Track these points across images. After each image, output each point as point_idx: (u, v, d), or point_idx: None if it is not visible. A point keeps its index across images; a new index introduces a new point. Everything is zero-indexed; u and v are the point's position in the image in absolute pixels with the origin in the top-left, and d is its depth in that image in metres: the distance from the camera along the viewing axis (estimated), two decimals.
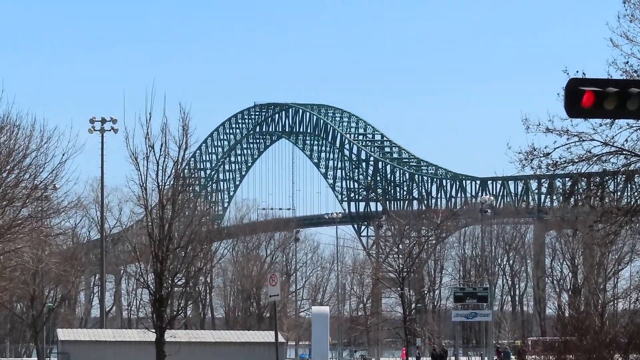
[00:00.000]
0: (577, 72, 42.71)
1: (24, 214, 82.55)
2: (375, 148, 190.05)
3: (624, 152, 65.46)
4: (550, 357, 61.77)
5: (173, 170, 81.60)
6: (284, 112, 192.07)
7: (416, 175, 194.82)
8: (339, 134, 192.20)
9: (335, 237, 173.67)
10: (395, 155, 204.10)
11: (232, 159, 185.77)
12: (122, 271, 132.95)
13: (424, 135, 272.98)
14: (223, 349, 78.22)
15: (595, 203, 73.45)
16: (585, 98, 31.10)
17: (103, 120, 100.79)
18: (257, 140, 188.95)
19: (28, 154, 77.94)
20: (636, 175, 70.09)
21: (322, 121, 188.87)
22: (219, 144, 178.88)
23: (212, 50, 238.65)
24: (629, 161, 66.63)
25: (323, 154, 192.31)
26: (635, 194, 71.65)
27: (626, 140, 62.07)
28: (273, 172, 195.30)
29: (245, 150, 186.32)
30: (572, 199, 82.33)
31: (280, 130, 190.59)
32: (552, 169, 67.78)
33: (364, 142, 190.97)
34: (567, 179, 73.97)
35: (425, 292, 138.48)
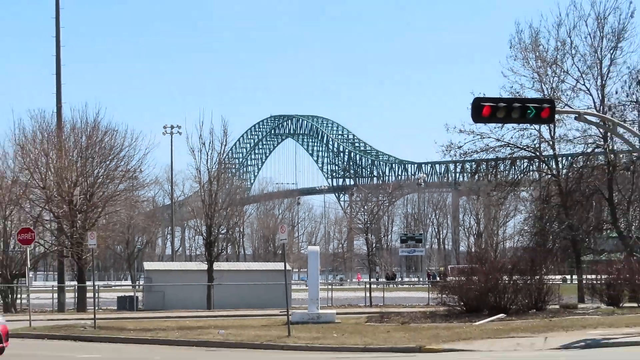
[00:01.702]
0: (480, 92, 51.48)
1: (120, 188, 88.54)
2: (349, 143, 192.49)
3: (510, 145, 74.39)
4: (462, 277, 58.54)
5: (217, 159, 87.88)
6: (289, 121, 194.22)
7: (375, 161, 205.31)
8: (325, 135, 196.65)
9: (323, 201, 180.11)
10: (361, 148, 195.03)
11: (256, 151, 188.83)
12: (185, 224, 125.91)
13: (381, 131, 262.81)
14: (250, 274, 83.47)
15: (491, 178, 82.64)
16: (485, 110, 42.73)
17: (172, 127, 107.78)
18: (272, 139, 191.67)
19: (123, 149, 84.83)
20: (517, 160, 79.26)
21: (315, 126, 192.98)
22: (247, 141, 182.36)
23: (241, 71, 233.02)
24: (512, 151, 75.97)
25: (315, 148, 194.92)
26: (517, 172, 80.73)
27: (511, 137, 71.60)
28: (283, 160, 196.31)
29: (264, 145, 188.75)
30: (476, 176, 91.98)
31: (287, 132, 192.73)
32: (463, 157, 77.02)
33: (342, 140, 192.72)
34: (473, 163, 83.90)
35: (382, 236, 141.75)
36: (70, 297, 78.53)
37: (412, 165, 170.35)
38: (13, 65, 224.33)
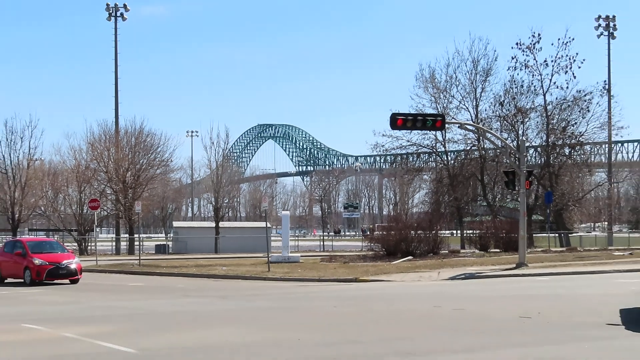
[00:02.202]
0: (396, 109, 51.50)
1: (157, 172, 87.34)
2: (309, 143, 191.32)
3: (415, 144, 74.62)
4: (384, 232, 59.80)
5: (221, 153, 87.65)
6: (270, 127, 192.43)
7: (327, 155, 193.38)
8: (294, 137, 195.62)
9: (292, 182, 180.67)
10: (318, 146, 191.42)
11: (248, 148, 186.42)
12: (201, 196, 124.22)
13: (331, 133, 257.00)
14: (244, 230, 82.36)
15: (403, 166, 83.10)
16: (398, 121, 42.98)
17: (192, 131, 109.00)
18: (259, 140, 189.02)
19: (159, 146, 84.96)
20: (420, 154, 79.78)
21: (287, 132, 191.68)
22: (242, 141, 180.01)
23: (238, 91, 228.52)
24: (417, 148, 76.13)
25: (287, 146, 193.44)
26: (421, 162, 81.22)
27: (417, 139, 71.93)
28: (266, 154, 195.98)
29: (254, 144, 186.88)
30: (394, 165, 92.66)
31: (269, 136, 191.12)
32: (385, 152, 77.97)
33: (305, 140, 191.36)
34: (391, 156, 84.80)
35: (331, 204, 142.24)
36: (123, 245, 79.11)
37: (352, 157, 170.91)
38: (84, 82, 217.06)
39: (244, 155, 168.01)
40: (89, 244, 70.74)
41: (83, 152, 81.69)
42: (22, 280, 38.83)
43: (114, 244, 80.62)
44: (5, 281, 39.58)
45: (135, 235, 79.11)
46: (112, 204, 79.04)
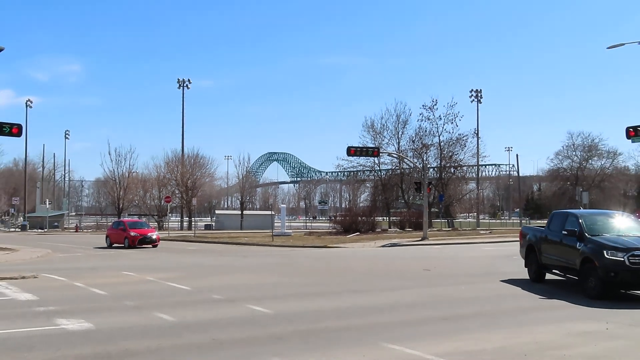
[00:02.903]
0: (351, 143, 51.08)
1: (206, 180, 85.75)
2: (298, 164, 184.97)
3: (362, 165, 74.54)
4: (342, 218, 57.99)
5: (245, 170, 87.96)
6: (275, 154, 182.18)
7: (309, 171, 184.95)
8: (290, 160, 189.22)
9: (288, 187, 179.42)
10: (304, 165, 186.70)
11: (261, 167, 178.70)
12: (232, 195, 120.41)
13: (312, 155, 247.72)
14: (258, 216, 77.30)
15: (354, 178, 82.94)
16: (352, 151, 42.09)
17: (228, 156, 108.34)
18: (268, 162, 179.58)
19: (207, 165, 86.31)
20: (365, 171, 79.48)
21: (285, 156, 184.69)
22: (258, 162, 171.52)
23: (254, 129, 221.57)
24: (363, 168, 75.75)
25: (285, 166, 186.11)
26: (365, 176, 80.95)
27: (362, 162, 72.33)
28: (272, 171, 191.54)
29: (264, 165, 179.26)
30: (349, 177, 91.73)
31: (274, 159, 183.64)
32: (344, 169, 77.81)
33: (296, 162, 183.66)
34: (348, 172, 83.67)
35: (311, 201, 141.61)
36: (185, 224, 78.83)
37: (324, 172, 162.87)
38: (164, 123, 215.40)
39: (258, 171, 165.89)
40: (164, 223, 70.71)
41: (162, 167, 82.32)
42: (123, 245, 39.19)
43: (179, 223, 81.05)
44: (113, 246, 39.95)
45: (193, 218, 79.90)
46: (179, 199, 79.11)
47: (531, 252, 17.90)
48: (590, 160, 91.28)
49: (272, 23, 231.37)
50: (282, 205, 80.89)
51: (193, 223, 79.00)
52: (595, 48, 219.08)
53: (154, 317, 12.09)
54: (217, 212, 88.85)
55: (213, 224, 79.48)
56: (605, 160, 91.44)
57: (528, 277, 18.35)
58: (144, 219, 61.80)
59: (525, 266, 18.35)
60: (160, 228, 65.42)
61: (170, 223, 69.47)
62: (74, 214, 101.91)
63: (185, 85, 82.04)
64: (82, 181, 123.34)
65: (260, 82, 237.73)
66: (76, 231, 73.37)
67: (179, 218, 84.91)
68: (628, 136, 32.85)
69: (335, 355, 8.86)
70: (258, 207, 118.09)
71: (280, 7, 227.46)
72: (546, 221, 19.34)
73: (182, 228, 77.56)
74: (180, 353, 9.06)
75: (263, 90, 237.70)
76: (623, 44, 36.27)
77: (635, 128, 32.60)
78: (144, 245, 38.88)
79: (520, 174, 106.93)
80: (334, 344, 9.60)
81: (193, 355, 8.89)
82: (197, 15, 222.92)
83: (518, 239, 20.65)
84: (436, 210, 69.11)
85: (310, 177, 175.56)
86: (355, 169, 76.81)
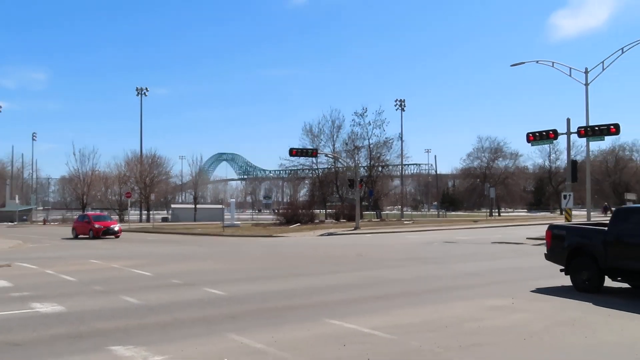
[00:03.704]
0: (293, 145, 52.05)
1: (163, 178, 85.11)
2: (245, 163, 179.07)
3: (302, 164, 74.85)
4: (285, 211, 57.04)
5: (198, 169, 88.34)
6: (223, 154, 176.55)
7: (254, 170, 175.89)
8: (237, 159, 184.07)
9: (236, 184, 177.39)
10: (250, 164, 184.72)
11: (212, 166, 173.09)
12: (186, 191, 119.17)
13: (257, 155, 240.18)
14: (210, 209, 76.36)
15: (297, 175, 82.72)
16: (294, 152, 41.93)
17: (182, 156, 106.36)
18: (217, 162, 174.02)
19: (163, 164, 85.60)
20: (305, 169, 79.55)
21: (232, 156, 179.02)
22: (209, 162, 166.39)
23: (204, 131, 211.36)
24: (303, 166, 76.10)
25: (233, 165, 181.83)
26: (305, 173, 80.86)
27: (302, 162, 72.43)
28: (222, 169, 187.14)
29: (214, 164, 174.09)
30: (290, 174, 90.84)
31: (223, 159, 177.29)
32: (286, 168, 77.36)
33: (242, 161, 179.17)
34: (290, 170, 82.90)
35: (256, 196, 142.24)
36: (144, 217, 77.46)
37: (268, 170, 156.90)
38: (125, 126, 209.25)
39: (209, 169, 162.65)
40: (125, 216, 69.39)
41: (122, 166, 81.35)
42: (88, 236, 38.58)
43: (138, 216, 79.77)
44: (79, 237, 39.26)
45: (151, 212, 78.96)
46: (138, 195, 77.72)
47: (581, 256, 13.17)
48: (496, 161, 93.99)
49: (224, 40, 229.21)
50: (231, 199, 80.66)
51: (151, 216, 78.34)
52: (502, 65, 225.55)
53: (121, 300, 11.95)
54: (172, 206, 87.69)
55: (169, 216, 78.28)
56: (508, 161, 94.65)
57: (448, 263, 18.64)
58: (106, 213, 60.59)
59: (567, 273, 13.48)
60: (121, 221, 64.12)
61: (130, 216, 68.29)
62: (41, 208, 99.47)
63: (143, 92, 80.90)
64: (48, 179, 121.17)
65: (212, 91, 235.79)
66: (44, 224, 71.69)
67: (139, 212, 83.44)
68: (528, 140, 34.20)
69: (283, 330, 8.90)
70: (209, 201, 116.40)
71: (231, 27, 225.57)
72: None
73: (141, 221, 76.44)
74: (146, 331, 8.98)
75: (214, 97, 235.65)
76: (524, 63, 37.58)
77: (534, 133, 33.95)
78: (107, 236, 38.35)
79: (438, 173, 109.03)
80: (282, 321, 9.63)
81: (157, 333, 8.82)
82: (156, 31, 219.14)
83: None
84: (366, 203, 69.63)
85: (256, 175, 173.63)
86: (296, 168, 76.79)
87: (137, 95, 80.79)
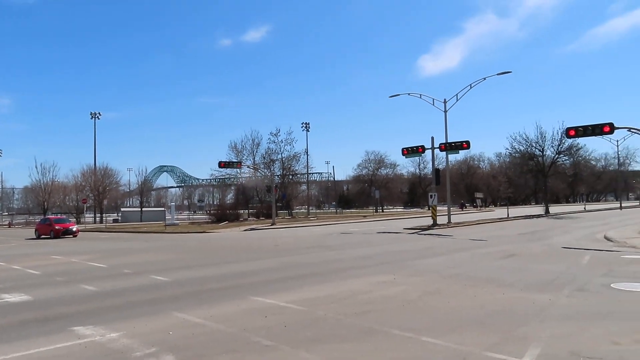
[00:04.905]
0: (221, 159, 50.22)
1: (113, 187, 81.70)
2: (182, 173, 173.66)
3: (229, 174, 73.67)
4: (216, 211, 57.13)
5: (143, 179, 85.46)
6: (164, 167, 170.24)
7: (189, 178, 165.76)
8: (176, 170, 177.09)
9: (175, 191, 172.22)
10: (186, 174, 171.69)
11: (155, 176, 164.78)
12: (134, 197, 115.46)
13: (193, 165, 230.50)
14: (154, 212, 74.44)
15: (225, 183, 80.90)
16: (222, 164, 40.54)
17: (130, 169, 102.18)
18: (159, 173, 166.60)
19: (114, 175, 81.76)
20: (231, 178, 78.12)
21: (172, 168, 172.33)
22: (152, 173, 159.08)
23: (150, 147, 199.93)
24: (230, 175, 74.67)
25: (173, 176, 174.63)
26: (231, 181, 79.34)
27: (229, 171, 71.12)
28: (162, 180, 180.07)
29: (157, 174, 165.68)
30: (219, 182, 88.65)
31: (165, 170, 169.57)
32: (216, 178, 75.75)
33: (180, 172, 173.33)
34: (219, 179, 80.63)
35: (192, 200, 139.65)
36: (98, 219, 73.58)
37: (201, 179, 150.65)
38: (82, 143, 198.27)
39: (153, 179, 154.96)
40: (81, 219, 65.74)
41: (79, 177, 77.19)
42: (49, 236, 36.28)
43: (93, 219, 75.61)
44: (41, 237, 36.84)
45: (103, 215, 75.20)
46: (92, 201, 73.95)
47: None
48: (379, 169, 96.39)
49: (167, 72, 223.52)
50: (171, 203, 78.07)
51: (104, 218, 74.63)
52: (383, 95, 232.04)
53: (81, 288, 11.38)
54: (122, 209, 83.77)
55: (119, 218, 74.83)
56: (389, 169, 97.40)
57: (345, 249, 18.93)
58: (65, 216, 57.08)
59: None
60: (78, 223, 60.70)
61: (86, 219, 64.90)
62: (6, 213, 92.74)
63: (97, 116, 77.20)
64: (12, 188, 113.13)
65: (156, 113, 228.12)
66: (9, 227, 66.82)
67: (93, 215, 79.28)
68: (403, 154, 35.49)
69: (218, 306, 8.79)
70: (153, 205, 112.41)
71: (172, 62, 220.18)
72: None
73: (95, 222, 72.64)
74: (103, 313, 8.62)
75: (158, 119, 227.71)
76: (399, 95, 38.94)
77: (407, 148, 35.23)
78: (66, 236, 36.25)
79: (335, 179, 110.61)
80: (216, 299, 9.50)
81: (113, 314, 8.49)
82: (108, 59, 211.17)
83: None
84: (280, 204, 69.24)
85: (191, 183, 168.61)
86: (224, 177, 75.55)
87: (92, 118, 77.18)
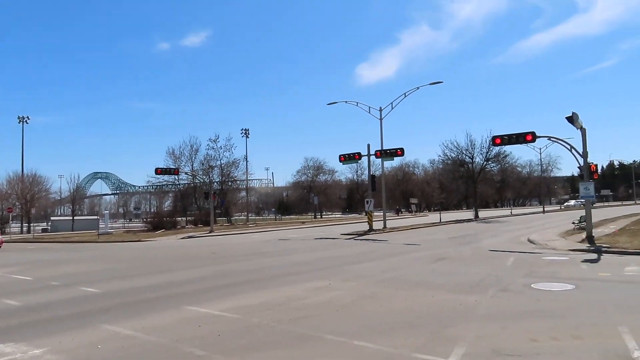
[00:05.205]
0: (158, 165, 48.99)
1: (42, 195, 77.94)
2: (117, 179, 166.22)
3: (166, 181, 71.86)
4: (152, 219, 54.14)
5: (75, 186, 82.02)
6: (98, 173, 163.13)
7: (125, 185, 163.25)
8: (110, 177, 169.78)
9: (110, 198, 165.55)
10: (122, 181, 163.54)
11: (88, 183, 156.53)
12: (66, 205, 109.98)
13: (130, 172, 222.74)
14: (86, 220, 70.89)
15: (162, 190, 78.67)
16: (159, 170, 39.16)
17: (61, 175, 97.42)
18: (93, 180, 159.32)
19: (44, 182, 77.72)
20: (169, 185, 76.07)
21: (106, 174, 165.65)
22: (85, 180, 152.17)
23: (81, 153, 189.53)
24: (167, 182, 72.97)
25: (107, 182, 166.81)
26: (168, 188, 77.26)
27: (166, 178, 69.02)
28: (97, 186, 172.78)
29: (91, 181, 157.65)
30: (157, 189, 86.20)
31: (98, 177, 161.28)
32: (153, 184, 73.68)
33: (116, 178, 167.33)
34: (156, 186, 78.64)
35: (128, 207, 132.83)
36: (25, 229, 69.57)
37: (138, 186, 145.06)
38: (9, 148, 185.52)
39: (86, 186, 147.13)
40: (7, 229, 61.85)
41: (4, 185, 72.55)
42: None
43: (19, 229, 71.29)
44: None
45: (31, 224, 71.10)
46: (19, 209, 69.85)
47: None
48: (318, 176, 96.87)
49: (98, 75, 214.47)
50: (105, 211, 74.60)
51: (32, 228, 70.57)
52: (322, 102, 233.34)
53: (2, 303, 10.67)
54: (52, 218, 79.58)
55: (49, 228, 71.05)
56: (327, 176, 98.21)
57: (282, 256, 18.88)
58: None
59: None
60: (3, 233, 57.00)
61: (12, 228, 61.12)
62: None
63: (25, 120, 73.18)
64: None
65: (89, 119, 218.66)
66: None
67: (20, 225, 74.82)
68: (340, 160, 35.94)
69: (150, 317, 8.55)
70: (86, 213, 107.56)
71: (105, 65, 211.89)
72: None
73: (22, 232, 68.46)
74: (26, 328, 8.14)
75: (91, 124, 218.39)
76: (336, 102, 39.44)
77: (344, 155, 35.77)
78: None
79: (275, 185, 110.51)
80: (149, 310, 9.23)
81: (37, 330, 8.03)
82: (35, 64, 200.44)
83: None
84: (219, 211, 68.23)
85: (127, 190, 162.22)
86: (161, 184, 73.75)
87: (19, 122, 72.82)
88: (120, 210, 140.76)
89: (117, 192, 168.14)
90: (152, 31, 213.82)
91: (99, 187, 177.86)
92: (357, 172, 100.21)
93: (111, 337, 7.29)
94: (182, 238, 37.15)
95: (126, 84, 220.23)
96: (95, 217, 79.70)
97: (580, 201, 75.39)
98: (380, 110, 36.94)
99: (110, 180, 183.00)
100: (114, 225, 75.13)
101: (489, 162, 58.58)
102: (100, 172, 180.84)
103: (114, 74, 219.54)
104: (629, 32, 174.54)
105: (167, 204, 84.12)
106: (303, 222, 58.68)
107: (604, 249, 17.57)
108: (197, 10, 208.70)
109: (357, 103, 37.72)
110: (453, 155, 59.31)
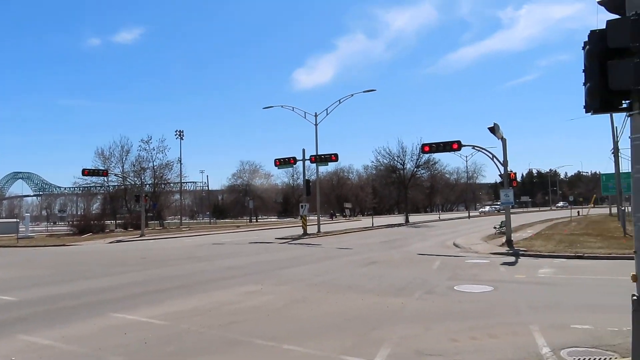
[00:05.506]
0: (85, 166, 46.22)
1: None
2: (40, 180, 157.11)
3: (94, 183, 68.39)
4: (79, 222, 50.23)
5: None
6: (19, 174, 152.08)
7: (49, 186, 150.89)
8: (33, 178, 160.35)
9: (31, 200, 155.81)
10: (45, 182, 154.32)
11: (7, 185, 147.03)
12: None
13: (55, 172, 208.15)
14: (2, 224, 70.55)
15: (90, 192, 74.66)
16: (86, 172, 37.00)
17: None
18: (13, 180, 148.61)
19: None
20: (97, 187, 72.65)
21: (28, 175, 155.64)
22: (3, 181, 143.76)
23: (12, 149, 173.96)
24: (95, 184, 69.83)
25: (29, 183, 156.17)
26: (98, 190, 73.74)
27: (94, 180, 65.77)
28: (17, 188, 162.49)
29: (10, 182, 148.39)
30: (87, 190, 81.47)
31: (19, 177, 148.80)
32: (80, 186, 69.69)
33: (38, 179, 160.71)
34: (85, 188, 74.66)
35: (53, 210, 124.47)
36: None
37: (64, 187, 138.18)
38: None
39: (5, 187, 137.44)
40: None
41: None
42: None
43: None
44: None
45: None
46: None
47: None
48: (254, 179, 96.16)
49: (22, 69, 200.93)
50: (26, 214, 70.77)
51: None
52: (259, 106, 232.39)
53: None
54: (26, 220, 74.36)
55: None
56: (263, 179, 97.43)
57: (215, 260, 18.54)
58: None
59: None
60: None
61: None
62: None
63: None
64: None
65: (7, 115, 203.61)
66: None
67: None
68: (275, 164, 35.98)
69: (71, 327, 8.15)
70: (4, 216, 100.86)
71: (30, 59, 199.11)
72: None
73: None
74: None
75: (10, 121, 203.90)
76: (272, 107, 39.45)
77: (280, 159, 35.87)
78: None
79: (210, 189, 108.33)
80: (71, 319, 8.81)
81: None
82: None
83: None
84: (151, 214, 66.16)
85: (51, 192, 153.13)
86: (89, 185, 70.08)
87: None
88: (44, 212, 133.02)
89: (40, 193, 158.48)
90: (82, 25, 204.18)
91: (19, 188, 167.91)
92: (293, 176, 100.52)
93: (27, 348, 6.89)
94: (111, 242, 35.63)
95: (51, 79, 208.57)
96: (15, 220, 74.96)
97: (495, 207, 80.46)
98: (316, 115, 37.29)
99: (32, 180, 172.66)
100: (35, 228, 70.84)
101: (419, 169, 60.57)
102: (21, 172, 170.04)
103: (36, 67, 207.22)
104: (547, 49, 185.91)
105: (96, 207, 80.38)
106: (238, 226, 58.02)
107: (521, 252, 18.63)
108: (130, 7, 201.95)
109: (293, 108, 37.88)
110: (385, 161, 60.95)
